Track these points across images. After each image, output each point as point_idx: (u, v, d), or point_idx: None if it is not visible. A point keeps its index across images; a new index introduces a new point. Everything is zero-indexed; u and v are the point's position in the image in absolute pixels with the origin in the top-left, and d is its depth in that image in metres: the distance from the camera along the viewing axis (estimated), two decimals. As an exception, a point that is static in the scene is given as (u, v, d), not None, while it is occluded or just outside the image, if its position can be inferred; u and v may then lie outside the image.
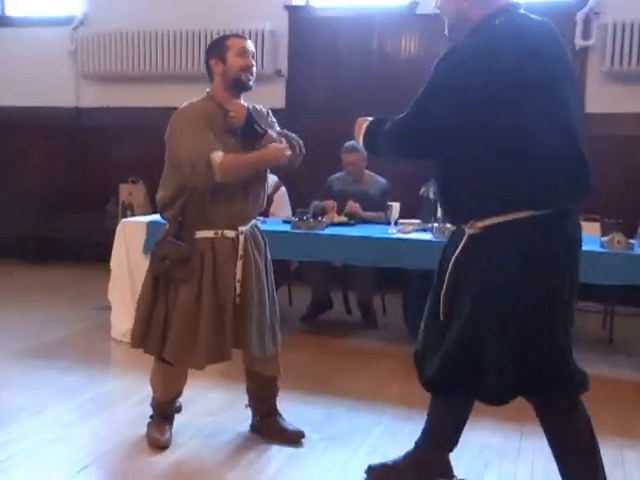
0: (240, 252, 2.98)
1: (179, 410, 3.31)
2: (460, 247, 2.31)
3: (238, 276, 2.97)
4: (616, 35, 6.10)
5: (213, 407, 3.61)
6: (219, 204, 2.92)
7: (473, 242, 2.28)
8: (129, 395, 3.76)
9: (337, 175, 5.70)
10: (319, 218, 4.93)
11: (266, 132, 2.97)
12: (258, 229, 3.15)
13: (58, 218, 7.56)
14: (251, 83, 2.99)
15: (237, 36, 3.07)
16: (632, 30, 6.08)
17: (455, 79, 2.19)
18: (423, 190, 5.47)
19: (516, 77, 2.14)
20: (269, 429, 3.24)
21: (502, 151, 2.17)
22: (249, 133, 2.95)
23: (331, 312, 5.50)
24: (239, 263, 2.98)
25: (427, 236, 4.63)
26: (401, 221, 4.84)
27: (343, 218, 5.22)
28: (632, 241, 4.31)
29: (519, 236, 2.20)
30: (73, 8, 7.75)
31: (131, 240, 4.85)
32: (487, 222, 2.24)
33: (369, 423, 3.49)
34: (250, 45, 3.01)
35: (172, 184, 2.98)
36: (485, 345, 2.22)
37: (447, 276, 2.34)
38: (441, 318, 2.37)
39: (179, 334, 2.91)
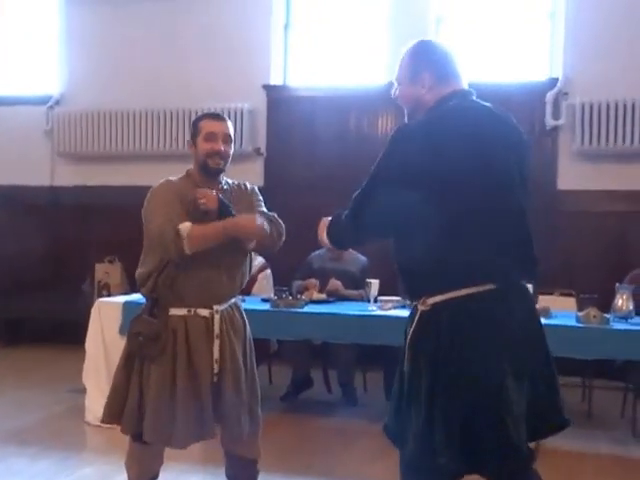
0: (216, 331, 2.93)
1: None
2: (413, 324, 2.35)
3: (216, 356, 2.92)
4: (584, 115, 6.27)
5: (192, 493, 3.51)
6: (191, 281, 2.89)
7: (424, 319, 2.31)
8: (104, 480, 3.65)
9: (317, 253, 5.70)
10: (298, 296, 4.91)
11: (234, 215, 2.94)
12: (237, 308, 3.09)
13: (31, 298, 7.44)
14: (220, 167, 2.95)
15: (211, 117, 3.02)
16: (599, 110, 6.26)
17: (392, 161, 2.27)
18: (399, 267, 5.49)
19: (456, 157, 2.19)
20: None
21: (439, 230, 2.22)
22: (223, 217, 2.91)
23: (312, 390, 5.42)
24: (216, 342, 2.92)
25: (406, 313, 4.59)
26: (380, 298, 4.83)
27: (322, 296, 5.19)
28: (607, 315, 4.35)
29: (456, 314, 2.23)
30: (49, 87, 7.83)
31: (107, 320, 4.77)
32: (436, 299, 2.27)
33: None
34: (223, 127, 2.96)
35: (149, 260, 2.96)
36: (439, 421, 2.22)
37: (405, 352, 2.38)
38: (404, 390, 2.37)
39: (155, 413, 2.83)
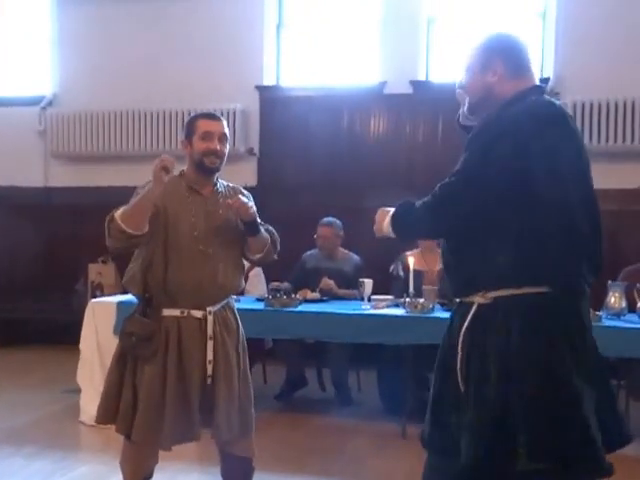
0: (209, 333, 2.93)
1: None
2: (469, 317, 2.23)
3: (209, 357, 2.92)
4: (576, 114, 6.29)
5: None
6: (184, 283, 2.89)
7: (484, 312, 2.21)
8: (99, 480, 3.66)
9: (310, 252, 5.72)
10: (292, 295, 4.92)
11: (259, 232, 2.99)
12: (230, 308, 3.09)
13: (25, 299, 7.45)
14: (216, 166, 2.96)
15: (207, 117, 3.02)
16: (591, 109, 6.29)
17: (488, 160, 2.13)
18: (392, 267, 5.50)
19: (547, 161, 2.10)
20: None
21: (523, 227, 2.14)
22: (251, 228, 2.95)
23: (306, 389, 5.43)
24: (210, 344, 2.93)
25: (400, 311, 4.63)
26: (374, 297, 4.85)
27: (316, 295, 5.21)
28: (599, 313, 4.37)
29: (534, 310, 2.15)
30: (42, 88, 7.83)
31: (101, 321, 4.78)
32: (500, 293, 2.18)
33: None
34: (219, 126, 2.97)
35: (137, 257, 2.97)
36: (513, 420, 2.12)
37: (460, 349, 2.25)
38: (462, 390, 2.25)
39: (145, 413, 2.84)
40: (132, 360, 2.93)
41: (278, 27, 7.36)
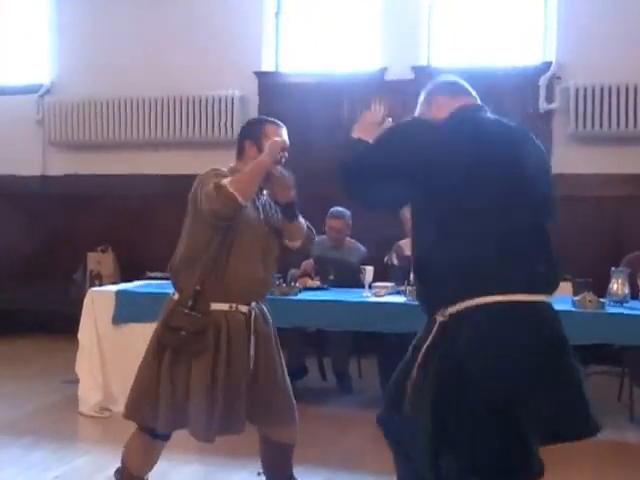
0: (253, 328, 2.95)
1: None
2: (431, 335, 2.27)
3: (252, 352, 2.93)
4: (578, 99, 6.26)
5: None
6: (238, 275, 2.88)
7: (444, 329, 2.25)
8: (98, 470, 3.62)
9: (317, 240, 5.57)
10: (292, 283, 4.88)
11: (298, 217, 3.02)
12: (265, 304, 3.13)
13: (23, 288, 7.41)
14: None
15: (274, 123, 3.09)
16: (593, 94, 6.24)
17: (404, 144, 2.31)
18: (387, 258, 5.48)
19: (465, 164, 2.20)
20: None
21: (458, 238, 2.20)
22: (288, 211, 2.97)
23: (306, 378, 5.40)
24: (252, 339, 2.94)
25: (401, 299, 4.60)
26: (375, 284, 4.81)
27: (316, 283, 5.15)
28: (603, 300, 4.33)
29: (484, 321, 2.17)
30: (40, 76, 7.77)
31: (100, 310, 4.74)
32: (456, 308, 2.21)
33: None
34: (285, 134, 3.04)
35: (191, 241, 2.92)
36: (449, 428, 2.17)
37: (416, 366, 2.30)
38: (408, 406, 2.31)
39: (198, 407, 2.81)
40: (171, 355, 2.87)
41: (277, 13, 7.29)
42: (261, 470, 3.23)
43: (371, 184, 2.33)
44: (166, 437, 2.97)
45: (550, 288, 2.31)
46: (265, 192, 3.05)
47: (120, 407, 4.56)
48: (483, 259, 2.19)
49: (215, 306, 2.90)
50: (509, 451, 2.14)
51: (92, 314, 4.76)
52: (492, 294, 2.17)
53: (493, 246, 2.20)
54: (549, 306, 2.29)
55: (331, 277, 5.21)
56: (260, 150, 2.97)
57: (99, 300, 4.78)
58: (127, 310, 4.69)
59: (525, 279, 2.22)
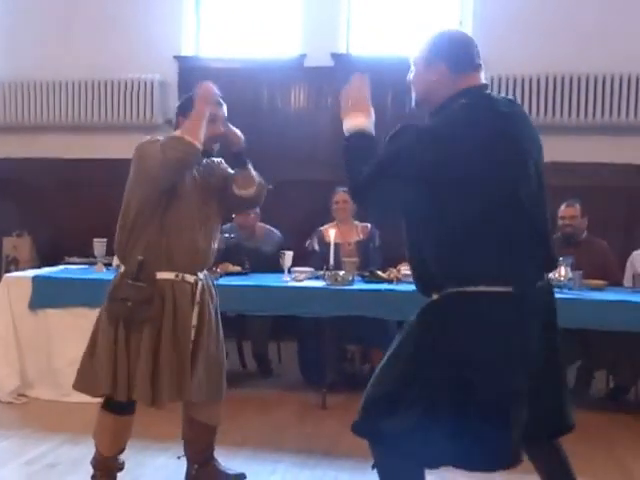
0: (197, 299, 2.99)
1: (122, 468, 3.16)
2: (418, 311, 2.30)
3: (194, 322, 2.97)
4: (500, 90, 6.40)
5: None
6: (181, 244, 2.93)
7: (431, 307, 2.28)
8: (18, 455, 3.62)
9: (228, 226, 5.51)
10: (213, 268, 4.89)
11: (248, 163, 3.13)
12: (210, 277, 3.18)
13: None
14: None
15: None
16: (515, 85, 6.40)
17: (402, 159, 2.20)
18: (308, 242, 5.55)
19: (467, 163, 2.16)
20: (210, 476, 3.22)
21: (457, 229, 2.20)
22: (240, 159, 3.12)
23: (226, 362, 5.42)
24: (195, 309, 2.98)
25: (320, 283, 4.69)
26: (294, 269, 4.88)
27: (237, 268, 5.18)
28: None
29: (471, 309, 2.20)
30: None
31: (15, 296, 4.68)
32: (447, 291, 2.23)
33: (267, 472, 3.49)
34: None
35: (131, 213, 2.92)
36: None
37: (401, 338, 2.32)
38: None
39: (143, 373, 2.85)
40: (124, 326, 2.89)
41: (197, -4, 7.24)
42: (181, 454, 3.27)
43: (381, 211, 2.40)
44: (130, 411, 3.00)
45: (545, 274, 2.33)
46: (214, 146, 3.11)
47: (37, 393, 4.58)
48: (483, 250, 2.19)
49: (160, 275, 2.93)
50: (490, 437, 2.14)
51: (7, 300, 4.68)
52: (495, 285, 2.18)
53: (501, 244, 2.20)
54: (543, 290, 2.31)
55: (247, 267, 5.23)
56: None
57: (15, 286, 4.71)
58: (44, 295, 4.64)
59: (533, 266, 2.25)
